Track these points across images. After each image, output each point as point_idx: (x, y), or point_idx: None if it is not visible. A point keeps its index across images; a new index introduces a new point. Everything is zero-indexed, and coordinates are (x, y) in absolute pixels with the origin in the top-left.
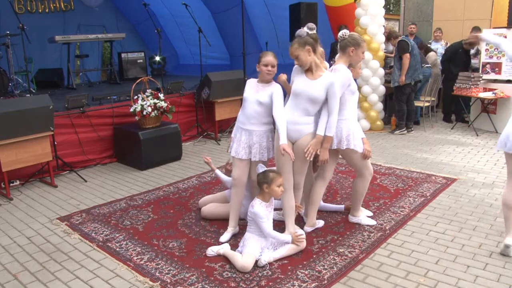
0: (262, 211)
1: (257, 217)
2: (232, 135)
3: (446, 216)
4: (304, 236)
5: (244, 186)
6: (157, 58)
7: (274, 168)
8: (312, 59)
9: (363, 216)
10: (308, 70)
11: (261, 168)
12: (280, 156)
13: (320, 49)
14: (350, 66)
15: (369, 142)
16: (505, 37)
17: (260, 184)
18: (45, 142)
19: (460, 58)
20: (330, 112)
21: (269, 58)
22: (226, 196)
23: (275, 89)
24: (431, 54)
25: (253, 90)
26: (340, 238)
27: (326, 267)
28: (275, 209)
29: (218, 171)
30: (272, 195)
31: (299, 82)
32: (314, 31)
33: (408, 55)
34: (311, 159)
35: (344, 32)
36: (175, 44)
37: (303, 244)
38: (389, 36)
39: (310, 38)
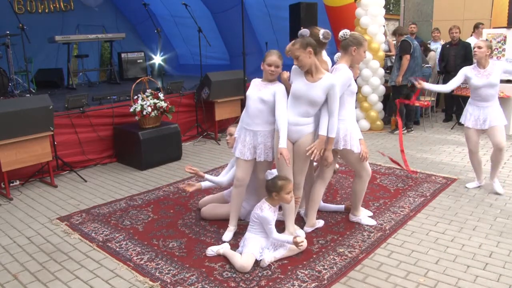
0: (271, 216)
1: (266, 222)
2: (236, 134)
3: (446, 216)
4: (304, 241)
5: (245, 186)
6: (157, 61)
7: (281, 175)
8: (312, 61)
9: (364, 216)
10: (308, 72)
11: (270, 175)
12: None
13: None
14: (350, 66)
15: (366, 144)
16: (505, 37)
17: (269, 192)
18: (45, 142)
19: (447, 53)
20: (330, 114)
21: (273, 58)
22: (224, 196)
23: (278, 88)
24: (432, 53)
25: (256, 88)
26: (340, 238)
27: (326, 267)
28: None
29: (208, 176)
30: (282, 201)
31: (299, 84)
32: (327, 40)
33: (408, 56)
34: (315, 159)
35: (345, 32)
36: (174, 44)
37: (304, 246)
38: (395, 32)
39: (313, 40)
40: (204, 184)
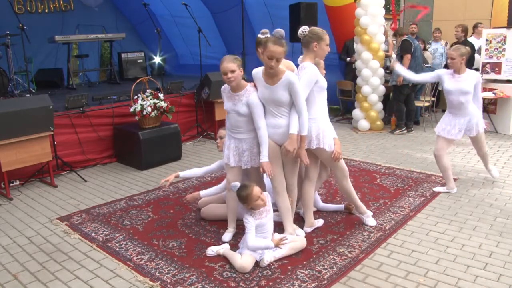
0: (250, 222)
1: (245, 227)
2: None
3: (446, 216)
4: (303, 240)
5: None
6: (157, 61)
7: (245, 182)
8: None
9: (366, 215)
10: (267, 75)
11: (234, 188)
12: (271, 160)
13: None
14: (316, 63)
15: (340, 143)
16: (505, 37)
17: (242, 204)
18: (45, 142)
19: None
20: (299, 112)
21: (224, 65)
22: (223, 196)
23: (250, 97)
24: (427, 53)
25: (230, 101)
26: (340, 238)
27: (326, 267)
28: (274, 210)
29: (181, 173)
30: (256, 209)
31: (261, 89)
32: (268, 35)
33: (409, 56)
34: (290, 156)
35: (303, 29)
36: (174, 44)
37: (303, 244)
38: (396, 33)
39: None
40: (182, 173)
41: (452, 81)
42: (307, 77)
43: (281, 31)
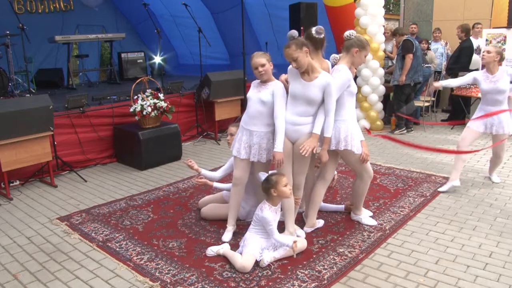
0: (271, 216)
1: (265, 222)
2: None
3: (446, 216)
4: (304, 241)
5: (244, 186)
6: (157, 61)
7: (274, 171)
8: (309, 60)
9: (365, 216)
10: (304, 72)
11: (263, 176)
12: None
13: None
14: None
15: (367, 145)
16: (505, 37)
17: (267, 191)
18: (45, 142)
19: (464, 54)
20: (326, 113)
21: (254, 60)
22: (224, 196)
23: (276, 88)
24: (430, 53)
25: (256, 89)
26: (340, 238)
27: (326, 267)
28: None
29: (203, 171)
30: (282, 196)
31: (296, 84)
32: (322, 35)
33: (411, 55)
34: (306, 155)
35: (351, 32)
36: (174, 44)
37: (303, 245)
38: (395, 32)
39: (304, 39)
40: (204, 172)
41: (487, 82)
42: (341, 81)
43: (291, 33)
